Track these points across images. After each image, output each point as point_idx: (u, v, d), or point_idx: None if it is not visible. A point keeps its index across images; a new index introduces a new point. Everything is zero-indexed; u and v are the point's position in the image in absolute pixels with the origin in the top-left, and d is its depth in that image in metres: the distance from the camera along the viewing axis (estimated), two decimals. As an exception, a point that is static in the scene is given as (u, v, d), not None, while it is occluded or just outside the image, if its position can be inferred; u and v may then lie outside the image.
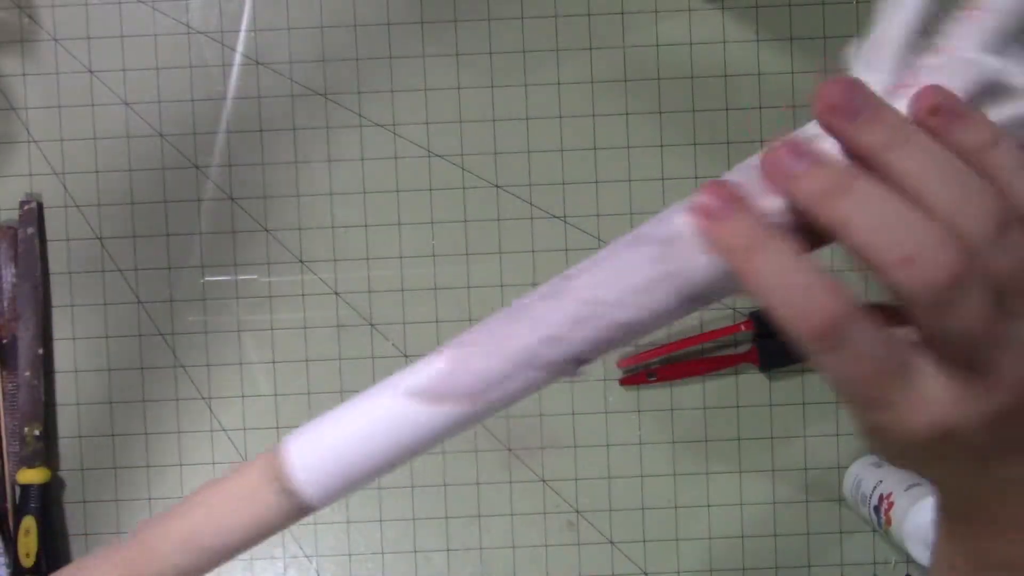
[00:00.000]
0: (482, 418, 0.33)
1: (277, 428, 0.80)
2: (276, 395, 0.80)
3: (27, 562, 0.77)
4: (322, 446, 0.34)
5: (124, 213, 0.80)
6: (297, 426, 0.76)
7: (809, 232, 0.33)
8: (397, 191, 0.80)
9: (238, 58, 0.80)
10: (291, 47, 0.80)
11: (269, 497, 0.34)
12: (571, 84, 0.79)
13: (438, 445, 0.34)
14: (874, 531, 0.79)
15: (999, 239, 0.29)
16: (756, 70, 0.78)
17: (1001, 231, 0.29)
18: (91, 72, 0.80)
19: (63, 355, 0.80)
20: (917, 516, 0.68)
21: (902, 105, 0.31)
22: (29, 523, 0.77)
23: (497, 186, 0.80)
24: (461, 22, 0.79)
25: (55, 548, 0.80)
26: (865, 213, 0.30)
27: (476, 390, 0.32)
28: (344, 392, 0.80)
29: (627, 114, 0.79)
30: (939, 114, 0.30)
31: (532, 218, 0.79)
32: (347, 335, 0.80)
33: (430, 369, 0.33)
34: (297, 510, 0.34)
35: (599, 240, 0.79)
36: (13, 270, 0.79)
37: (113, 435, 0.80)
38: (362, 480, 0.34)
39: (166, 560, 0.34)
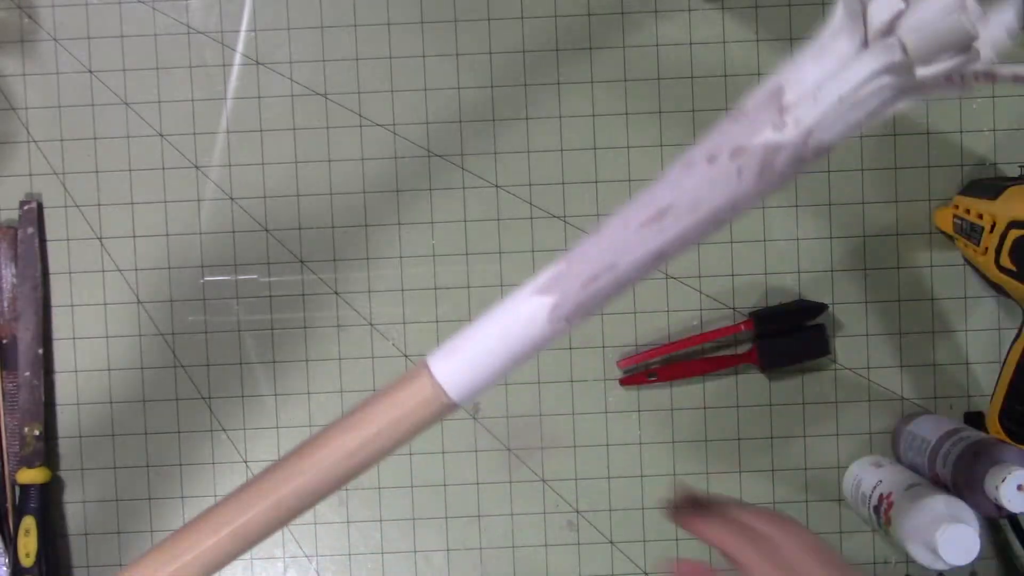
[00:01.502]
0: (594, 309, 0.39)
1: (277, 428, 0.80)
2: (276, 395, 0.80)
3: (27, 562, 0.77)
4: (466, 357, 0.39)
5: (124, 213, 0.80)
6: (297, 425, 0.77)
7: None
8: (397, 191, 0.80)
9: (238, 58, 0.80)
10: (291, 47, 0.80)
11: (428, 412, 0.40)
12: (571, 84, 0.79)
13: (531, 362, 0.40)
14: (874, 531, 0.79)
15: None
16: (756, 70, 0.78)
17: None
18: (91, 72, 0.80)
19: (63, 355, 0.80)
20: (917, 516, 0.68)
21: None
22: (29, 523, 0.77)
23: (497, 186, 0.80)
24: (461, 22, 0.79)
25: (55, 548, 0.80)
26: None
27: (588, 276, 0.39)
28: (344, 392, 0.80)
29: (627, 114, 0.79)
30: None
31: (532, 218, 0.79)
32: (347, 335, 0.80)
33: (550, 271, 0.40)
34: (449, 411, 0.41)
35: (599, 240, 0.79)
36: (13, 270, 0.79)
37: (113, 435, 0.80)
38: (502, 375, 0.40)
39: (327, 471, 0.41)
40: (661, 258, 0.39)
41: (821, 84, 0.38)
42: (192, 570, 0.41)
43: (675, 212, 0.39)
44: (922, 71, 0.38)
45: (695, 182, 0.39)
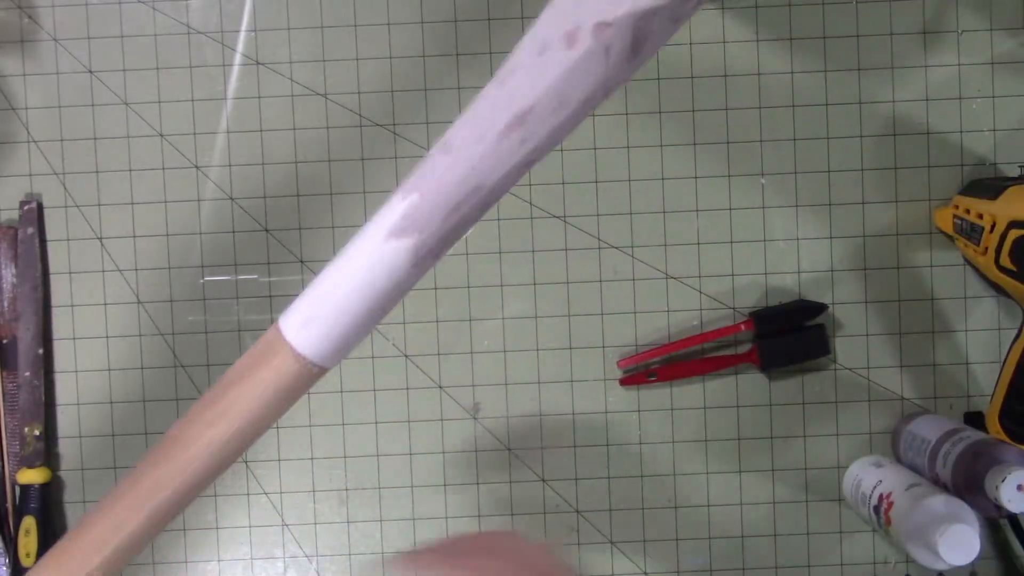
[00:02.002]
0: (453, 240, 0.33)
1: (277, 428, 0.80)
2: (276, 395, 0.80)
3: (27, 562, 0.77)
4: (328, 320, 0.33)
5: (124, 213, 0.80)
6: (296, 426, 0.76)
7: None
8: (397, 191, 0.80)
9: (238, 58, 0.80)
10: (291, 47, 0.80)
11: (297, 385, 0.35)
12: (571, 84, 0.79)
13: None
14: (874, 531, 0.79)
15: None
16: (756, 70, 0.78)
17: None
18: (91, 72, 0.80)
19: (63, 355, 0.80)
20: (917, 516, 0.68)
21: None
22: (29, 523, 0.77)
23: (497, 186, 0.79)
24: (461, 22, 0.79)
25: (55, 548, 0.80)
26: None
27: (450, 207, 0.32)
28: (344, 392, 0.80)
29: (627, 114, 0.79)
30: None
31: (532, 218, 0.79)
32: (347, 335, 0.80)
33: (400, 206, 0.32)
34: (318, 377, 0.35)
35: (599, 240, 0.79)
36: (13, 270, 0.79)
37: (113, 435, 0.80)
38: (368, 328, 0.34)
39: (196, 470, 0.36)
40: (530, 166, 0.33)
41: None
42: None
43: (538, 113, 0.32)
44: None
45: (555, 73, 0.31)
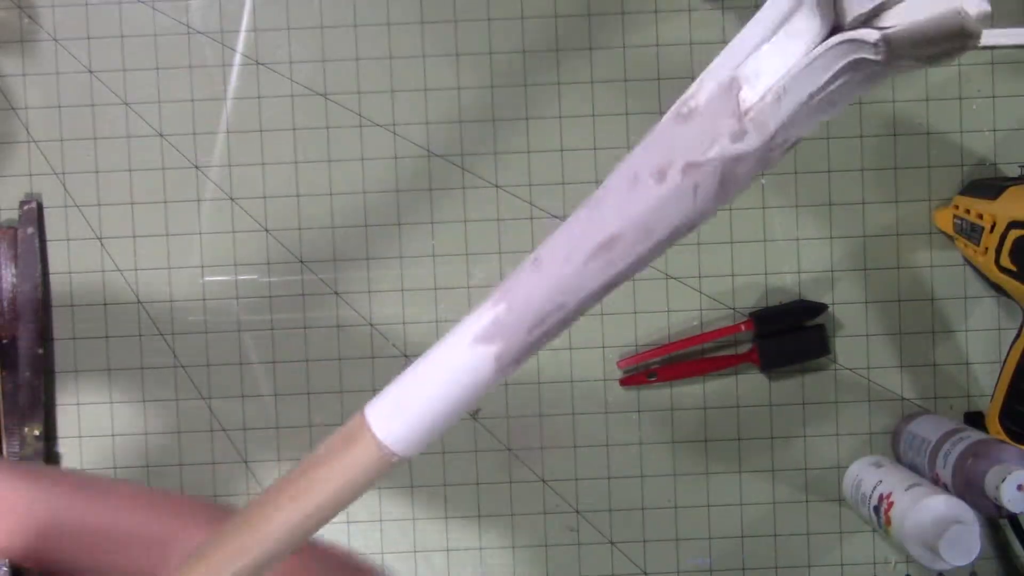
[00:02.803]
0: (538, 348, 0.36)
1: (277, 428, 0.80)
2: (276, 395, 0.80)
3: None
4: (412, 415, 0.36)
5: (124, 213, 0.80)
6: (297, 425, 0.76)
7: None
8: (397, 191, 0.80)
9: (238, 58, 0.80)
10: (291, 47, 0.80)
11: (375, 473, 0.37)
12: (571, 84, 0.79)
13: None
14: (874, 531, 0.79)
15: None
16: (756, 70, 0.78)
17: None
18: (91, 72, 0.80)
19: (63, 355, 0.80)
20: (917, 516, 0.68)
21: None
22: (29, 523, 0.77)
23: (497, 186, 0.80)
24: (461, 22, 0.79)
25: (55, 548, 0.80)
26: None
27: (534, 321, 0.35)
28: (344, 392, 0.80)
29: (627, 114, 0.79)
30: None
31: (532, 218, 0.79)
32: (347, 335, 0.80)
33: (488, 315, 0.36)
34: (397, 467, 0.38)
35: (599, 240, 0.79)
36: (13, 270, 0.79)
37: (113, 435, 0.80)
38: (448, 424, 0.37)
39: (276, 541, 0.38)
40: (613, 288, 0.36)
41: (786, 79, 0.33)
42: None
43: (625, 240, 0.34)
44: (903, 61, 0.32)
45: (644, 206, 0.33)
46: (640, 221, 0.34)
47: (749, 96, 0.33)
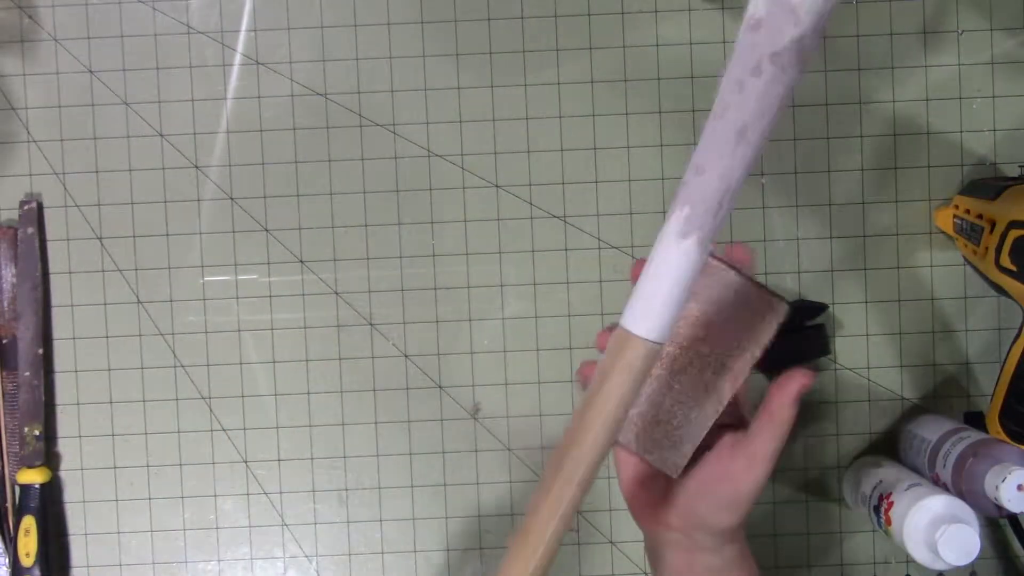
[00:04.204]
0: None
1: (277, 428, 0.80)
2: (276, 395, 0.80)
3: (27, 562, 0.77)
4: (658, 310, 0.47)
5: (124, 213, 0.80)
6: (296, 426, 0.77)
7: None
8: (397, 191, 0.80)
9: (238, 58, 0.80)
10: (291, 47, 0.80)
11: (649, 363, 0.48)
12: (571, 84, 0.79)
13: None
14: (874, 531, 0.79)
15: None
16: (756, 70, 0.78)
17: None
18: (91, 72, 0.80)
19: (63, 355, 0.80)
20: (917, 516, 0.68)
21: None
22: (29, 523, 0.77)
23: (497, 186, 0.80)
24: (461, 22, 0.79)
25: (55, 548, 0.80)
26: None
27: (715, 207, 0.46)
28: (344, 392, 0.80)
29: (627, 114, 0.79)
30: None
31: (532, 218, 0.79)
32: (347, 335, 0.80)
33: (679, 217, 0.47)
34: (660, 351, 0.48)
35: (599, 240, 0.79)
36: (13, 270, 0.79)
37: (113, 435, 0.80)
38: (683, 305, 0.48)
39: (594, 445, 0.49)
40: (755, 162, 0.47)
41: None
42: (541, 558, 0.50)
43: (752, 125, 0.45)
44: None
45: (755, 95, 0.45)
46: (756, 108, 0.45)
47: None
